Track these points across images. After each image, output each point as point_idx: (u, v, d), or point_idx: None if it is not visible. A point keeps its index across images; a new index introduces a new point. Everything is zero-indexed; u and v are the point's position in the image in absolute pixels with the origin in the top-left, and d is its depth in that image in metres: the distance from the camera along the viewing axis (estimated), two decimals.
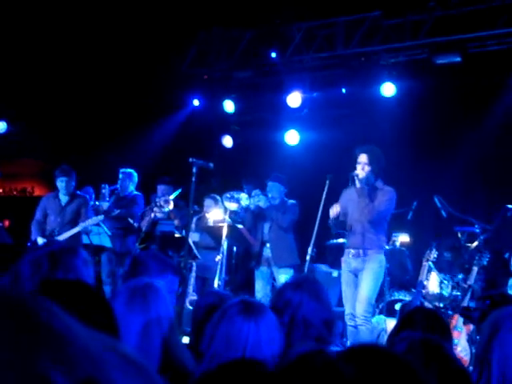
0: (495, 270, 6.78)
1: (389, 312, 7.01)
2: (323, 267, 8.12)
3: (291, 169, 8.36)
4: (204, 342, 2.39)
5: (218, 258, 7.39)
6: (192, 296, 7.41)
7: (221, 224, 7.49)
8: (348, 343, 6.07)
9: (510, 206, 6.87)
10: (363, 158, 6.00)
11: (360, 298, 5.87)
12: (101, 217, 7.36)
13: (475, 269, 6.10)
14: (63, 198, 7.51)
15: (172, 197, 7.89)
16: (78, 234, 7.30)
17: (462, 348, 5.43)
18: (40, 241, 7.16)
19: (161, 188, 8.35)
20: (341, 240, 7.35)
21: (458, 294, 6.76)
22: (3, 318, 0.56)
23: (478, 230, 6.99)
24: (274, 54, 9.32)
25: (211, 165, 6.71)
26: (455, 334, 5.43)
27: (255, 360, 2.22)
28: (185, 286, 7.24)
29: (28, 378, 0.54)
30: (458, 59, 8.06)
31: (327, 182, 6.36)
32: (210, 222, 7.84)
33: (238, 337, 2.31)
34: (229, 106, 10.11)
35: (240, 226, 7.47)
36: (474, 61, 8.12)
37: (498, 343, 2.03)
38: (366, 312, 5.86)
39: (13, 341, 0.55)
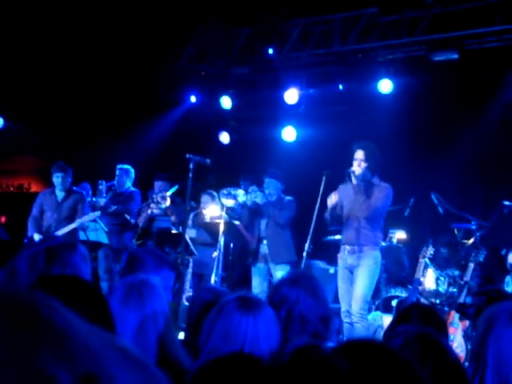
0: (491, 266, 6.80)
1: (385, 308, 7.03)
2: (320, 264, 8.13)
3: (288, 165, 8.36)
4: (202, 337, 2.39)
5: (215, 254, 7.39)
6: (189, 292, 7.42)
7: (218, 220, 7.49)
8: (344, 340, 6.07)
9: (506, 202, 6.88)
10: (360, 154, 6.00)
11: (355, 295, 5.86)
12: (98, 213, 7.35)
13: (471, 265, 6.11)
14: (60, 194, 7.50)
15: (169, 193, 7.89)
16: (75, 230, 7.28)
17: (457, 344, 5.44)
18: (36, 237, 7.16)
19: (158, 184, 8.36)
20: (338, 236, 7.35)
21: (455, 290, 6.77)
22: (3, 314, 0.56)
23: (474, 227, 7.00)
24: (271, 51, 9.31)
25: (208, 161, 6.71)
26: (451, 330, 5.44)
27: (251, 355, 2.22)
28: (181, 282, 7.24)
29: (29, 374, 0.54)
30: (456, 56, 8.05)
31: (324, 178, 6.36)
32: (207, 219, 7.84)
33: (236, 332, 2.31)
34: (226, 102, 10.11)
35: (237, 223, 7.46)
36: (472, 58, 8.12)
37: (493, 338, 2.03)
38: (362, 310, 5.84)
39: (13, 337, 0.55)
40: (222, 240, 7.44)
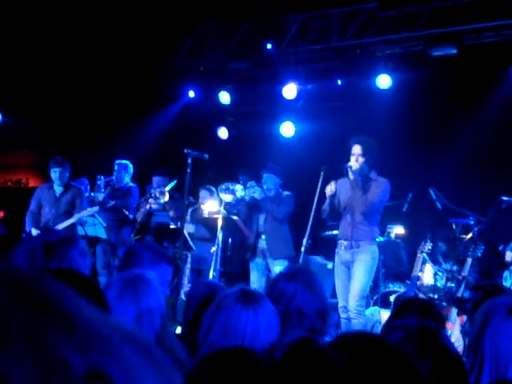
0: (489, 261, 6.81)
1: (383, 303, 7.03)
2: (318, 259, 8.13)
3: (286, 160, 8.37)
4: (201, 331, 2.38)
5: (213, 249, 7.39)
6: (187, 287, 7.41)
7: (216, 215, 7.49)
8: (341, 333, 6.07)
9: (504, 197, 6.88)
10: (357, 149, 5.98)
11: (352, 291, 5.83)
12: (96, 208, 7.34)
13: (469, 260, 6.11)
14: (58, 189, 7.48)
15: (167, 188, 7.89)
16: (73, 226, 7.28)
17: (455, 339, 5.45)
18: (34, 232, 7.14)
19: (156, 179, 8.36)
20: (336, 232, 7.36)
21: (453, 285, 6.78)
22: (13, 298, 0.56)
23: (472, 222, 7.00)
24: (269, 46, 9.29)
25: (206, 156, 6.72)
26: (449, 325, 5.45)
27: (248, 349, 2.22)
28: (180, 277, 7.25)
29: (39, 354, 0.53)
30: (454, 51, 8.05)
31: (322, 173, 6.36)
32: (205, 214, 7.84)
33: (236, 326, 2.30)
34: (224, 97, 10.10)
35: (235, 218, 7.47)
36: (470, 53, 8.12)
37: (490, 332, 2.03)
38: (359, 306, 5.82)
39: (26, 323, 0.55)
40: (220, 235, 7.44)
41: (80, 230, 7.32)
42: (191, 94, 10.41)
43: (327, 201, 6.08)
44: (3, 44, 9.45)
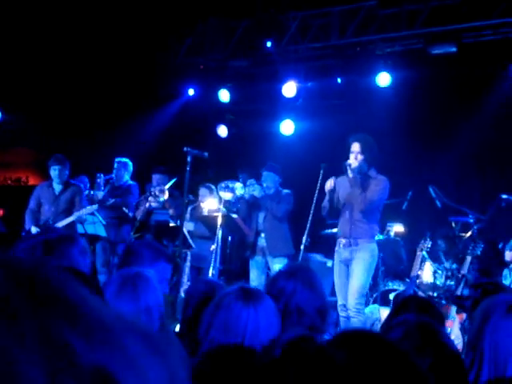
0: (489, 259, 6.81)
1: (383, 301, 7.03)
2: (317, 257, 8.13)
3: (286, 158, 8.37)
4: (201, 329, 2.38)
5: (213, 247, 7.38)
6: (186, 285, 7.41)
7: (215, 213, 7.49)
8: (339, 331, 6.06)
9: (504, 195, 6.88)
10: (356, 146, 5.98)
11: (351, 289, 5.82)
12: (95, 206, 7.34)
13: (469, 258, 6.11)
14: (57, 187, 7.48)
15: (167, 186, 7.89)
16: (73, 224, 7.28)
17: (455, 337, 5.45)
18: (34, 230, 7.14)
19: (156, 177, 8.35)
20: (335, 230, 7.36)
21: (452, 283, 6.78)
22: (15, 288, 0.56)
23: (472, 220, 7.00)
24: (269, 44, 9.29)
25: (206, 154, 6.72)
26: (448, 322, 5.45)
27: (248, 347, 2.22)
28: (179, 275, 7.25)
29: (50, 346, 0.54)
30: (454, 49, 8.05)
31: (322, 171, 6.35)
32: (205, 212, 7.84)
33: (236, 323, 2.30)
34: (224, 95, 10.10)
35: (235, 216, 7.47)
36: (470, 51, 8.12)
37: (489, 330, 2.03)
38: (358, 304, 5.81)
39: (30, 311, 0.55)
40: (219, 233, 7.43)
41: (80, 228, 7.32)
42: (191, 92, 10.41)
43: (327, 197, 6.08)
44: (3, 43, 9.44)
